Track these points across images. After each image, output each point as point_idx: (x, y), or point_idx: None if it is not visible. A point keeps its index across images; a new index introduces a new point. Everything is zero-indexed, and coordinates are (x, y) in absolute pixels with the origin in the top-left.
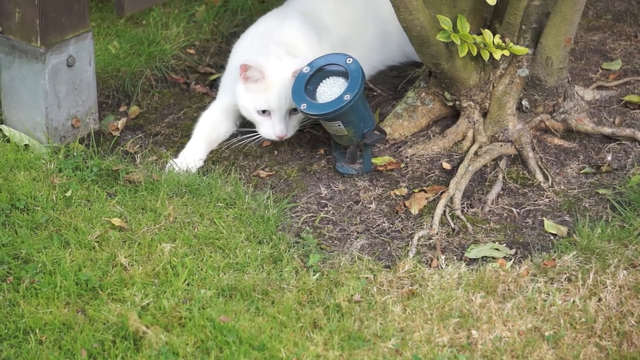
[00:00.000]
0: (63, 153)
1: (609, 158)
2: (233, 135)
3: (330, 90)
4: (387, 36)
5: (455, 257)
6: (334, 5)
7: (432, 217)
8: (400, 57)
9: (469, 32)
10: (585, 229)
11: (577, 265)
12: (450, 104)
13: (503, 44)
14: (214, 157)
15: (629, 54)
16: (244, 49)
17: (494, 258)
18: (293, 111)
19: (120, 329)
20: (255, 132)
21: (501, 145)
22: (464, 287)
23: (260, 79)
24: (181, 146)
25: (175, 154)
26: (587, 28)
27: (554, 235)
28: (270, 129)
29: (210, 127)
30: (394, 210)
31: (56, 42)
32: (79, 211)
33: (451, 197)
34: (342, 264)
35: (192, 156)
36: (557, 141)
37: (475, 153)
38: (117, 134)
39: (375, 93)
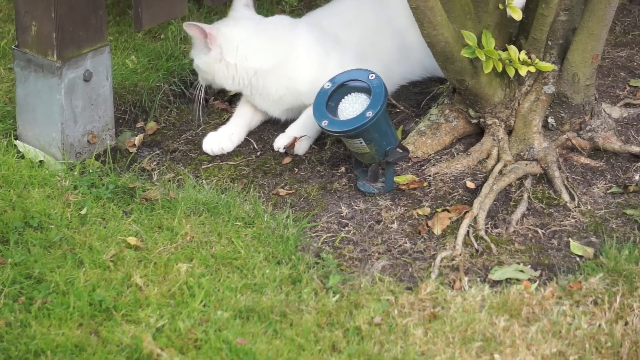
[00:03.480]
0: (78, 170)
1: (637, 177)
2: (252, 152)
3: (352, 106)
4: (406, 49)
5: (478, 279)
6: (346, 17)
7: (456, 238)
8: (420, 71)
9: (494, 48)
10: (613, 251)
11: (604, 288)
12: (475, 121)
13: (529, 60)
14: (233, 175)
15: None
16: None
17: (518, 280)
18: None
19: (134, 351)
20: None
21: (526, 164)
22: (487, 309)
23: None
24: (199, 163)
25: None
26: (614, 44)
27: (580, 257)
28: None
29: (251, 110)
30: (417, 231)
31: (73, 56)
32: (94, 229)
33: (475, 217)
34: (362, 285)
35: (228, 134)
36: (583, 160)
37: (500, 172)
38: (133, 150)
39: (398, 110)
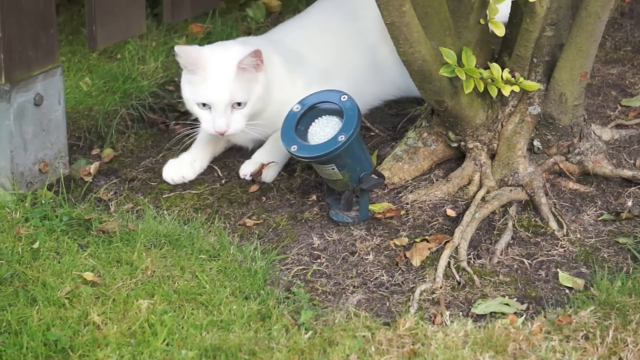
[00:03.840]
0: (30, 201)
1: (630, 204)
2: (216, 180)
3: (323, 130)
4: (378, 66)
5: (461, 313)
6: (310, 32)
7: (436, 269)
8: (394, 90)
9: (475, 66)
10: (604, 282)
11: (595, 321)
12: (455, 145)
13: (512, 79)
14: (196, 204)
15: None
16: None
17: (503, 314)
18: (237, 105)
19: None
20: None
21: (511, 190)
22: (470, 345)
23: (200, 70)
24: (160, 192)
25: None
26: (604, 61)
27: (570, 288)
28: (210, 122)
29: (213, 138)
30: (394, 262)
31: (22, 78)
32: (48, 265)
33: (456, 247)
34: (336, 321)
35: (190, 161)
36: (572, 185)
37: (483, 199)
38: (89, 179)
39: (372, 133)
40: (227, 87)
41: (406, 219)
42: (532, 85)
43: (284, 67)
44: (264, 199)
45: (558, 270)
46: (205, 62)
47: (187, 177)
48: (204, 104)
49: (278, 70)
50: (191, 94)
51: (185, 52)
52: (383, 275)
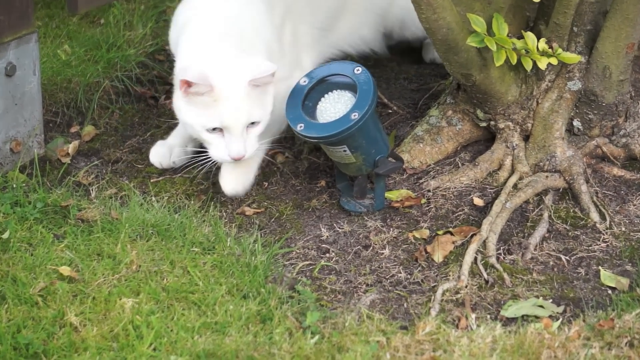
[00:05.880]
0: (0, 184)
1: None
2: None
3: (334, 107)
4: None
5: (488, 316)
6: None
7: (461, 266)
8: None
9: (508, 35)
10: None
11: None
12: (484, 124)
13: (550, 50)
14: (189, 190)
15: None
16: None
17: (537, 317)
18: (250, 125)
19: None
20: (205, 153)
21: (547, 177)
22: (499, 353)
23: (208, 92)
24: (147, 176)
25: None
26: None
27: (613, 289)
28: (224, 149)
29: None
30: (413, 257)
31: None
32: (19, 258)
33: (484, 241)
34: (347, 324)
35: (181, 143)
36: (617, 171)
37: (515, 186)
38: (67, 160)
39: (390, 110)
40: (243, 106)
41: (427, 208)
42: (572, 57)
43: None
44: (265, 184)
45: (600, 268)
46: (213, 82)
47: (178, 162)
48: (214, 128)
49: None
50: (197, 117)
51: (197, 78)
52: (400, 273)
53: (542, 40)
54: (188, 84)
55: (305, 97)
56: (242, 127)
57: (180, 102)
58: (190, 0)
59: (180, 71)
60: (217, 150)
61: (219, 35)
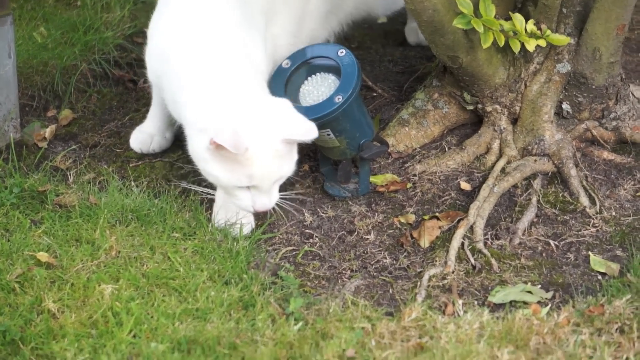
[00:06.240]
0: None
1: None
2: None
3: (318, 89)
4: None
5: (476, 302)
6: None
7: (447, 252)
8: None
9: (495, 17)
10: None
11: (632, 312)
12: (471, 107)
13: (538, 31)
14: (169, 175)
15: None
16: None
17: (525, 303)
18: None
19: None
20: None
21: (535, 161)
22: (486, 339)
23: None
24: (127, 160)
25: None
26: None
27: (603, 274)
28: (248, 201)
29: None
30: (399, 243)
31: None
32: None
33: (471, 226)
34: (331, 310)
35: (152, 130)
36: (606, 155)
37: (503, 170)
38: (44, 145)
39: (375, 93)
40: (275, 165)
41: (413, 193)
42: (561, 39)
43: None
44: None
45: (589, 253)
46: (248, 144)
47: (159, 147)
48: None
49: None
50: (225, 173)
51: (233, 146)
52: (386, 258)
53: (531, 22)
54: (220, 148)
55: (287, 80)
56: (271, 184)
57: (204, 154)
58: (167, 29)
59: (211, 132)
60: (241, 202)
61: (236, 72)
